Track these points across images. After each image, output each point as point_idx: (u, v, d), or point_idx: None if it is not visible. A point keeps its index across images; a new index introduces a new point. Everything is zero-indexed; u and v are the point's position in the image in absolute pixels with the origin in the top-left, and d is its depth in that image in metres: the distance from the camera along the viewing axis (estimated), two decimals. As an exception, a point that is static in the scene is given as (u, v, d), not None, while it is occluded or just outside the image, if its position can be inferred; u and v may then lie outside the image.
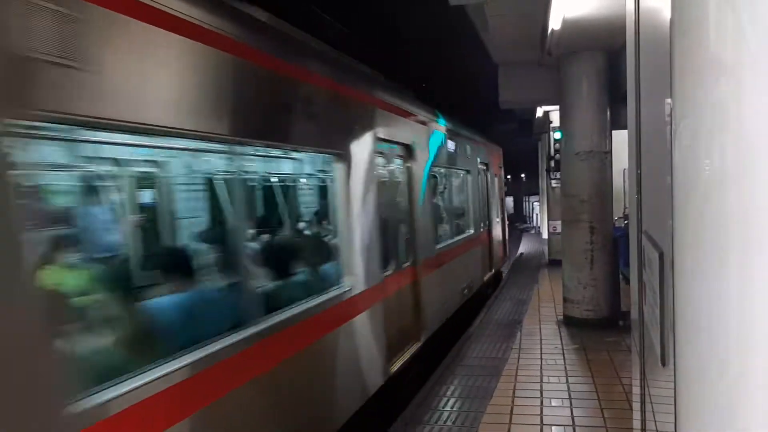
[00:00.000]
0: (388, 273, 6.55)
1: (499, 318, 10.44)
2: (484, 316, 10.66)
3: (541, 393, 6.51)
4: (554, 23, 7.45)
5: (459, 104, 18.37)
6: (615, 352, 7.97)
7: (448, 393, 6.65)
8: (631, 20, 2.47)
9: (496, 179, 16.94)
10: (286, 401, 4.32)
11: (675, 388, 1.34)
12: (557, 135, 12.76)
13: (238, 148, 3.97)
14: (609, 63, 9.28)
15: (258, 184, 5.71)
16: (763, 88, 0.95)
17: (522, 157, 31.86)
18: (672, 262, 1.34)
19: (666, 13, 1.51)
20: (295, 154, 5.51)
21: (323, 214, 6.25)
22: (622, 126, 9.56)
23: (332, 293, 5.13)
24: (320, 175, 6.17)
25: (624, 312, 9.34)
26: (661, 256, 1.53)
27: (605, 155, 9.34)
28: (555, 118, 14.48)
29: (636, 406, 2.63)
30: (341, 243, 5.49)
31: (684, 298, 1.28)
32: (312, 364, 4.72)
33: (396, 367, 6.59)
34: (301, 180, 6.57)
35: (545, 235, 20.71)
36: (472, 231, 11.79)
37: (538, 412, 5.96)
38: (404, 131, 7.55)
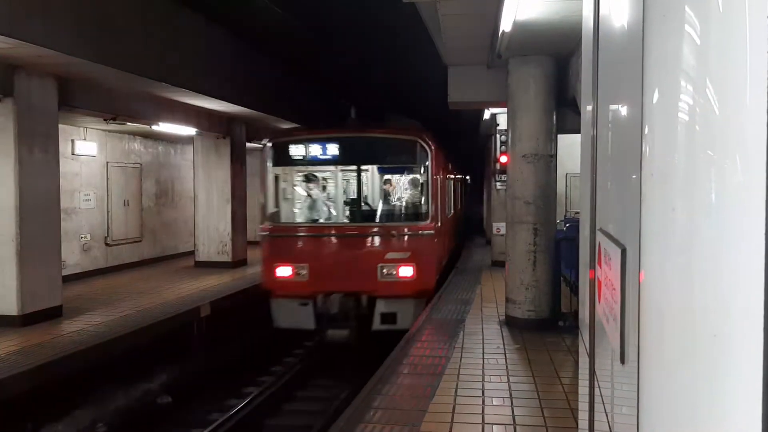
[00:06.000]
0: None
1: (443, 317, 10.52)
2: (427, 316, 10.71)
3: (483, 392, 6.58)
4: (505, 25, 7.53)
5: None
6: (555, 351, 8.14)
7: (391, 392, 6.64)
8: (589, 24, 2.49)
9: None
10: None
11: (638, 385, 1.35)
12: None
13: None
14: (556, 68, 9.46)
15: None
16: (729, 89, 0.97)
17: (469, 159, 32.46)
18: (639, 257, 1.36)
19: (631, 16, 1.53)
20: None
21: None
22: (567, 130, 9.83)
23: None
24: None
25: (564, 313, 9.54)
26: (624, 251, 1.54)
27: (550, 158, 9.51)
28: (502, 120, 14.67)
29: (583, 406, 2.66)
30: None
31: (650, 292, 1.29)
32: None
33: None
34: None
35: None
36: None
37: (480, 411, 6.01)
38: None
